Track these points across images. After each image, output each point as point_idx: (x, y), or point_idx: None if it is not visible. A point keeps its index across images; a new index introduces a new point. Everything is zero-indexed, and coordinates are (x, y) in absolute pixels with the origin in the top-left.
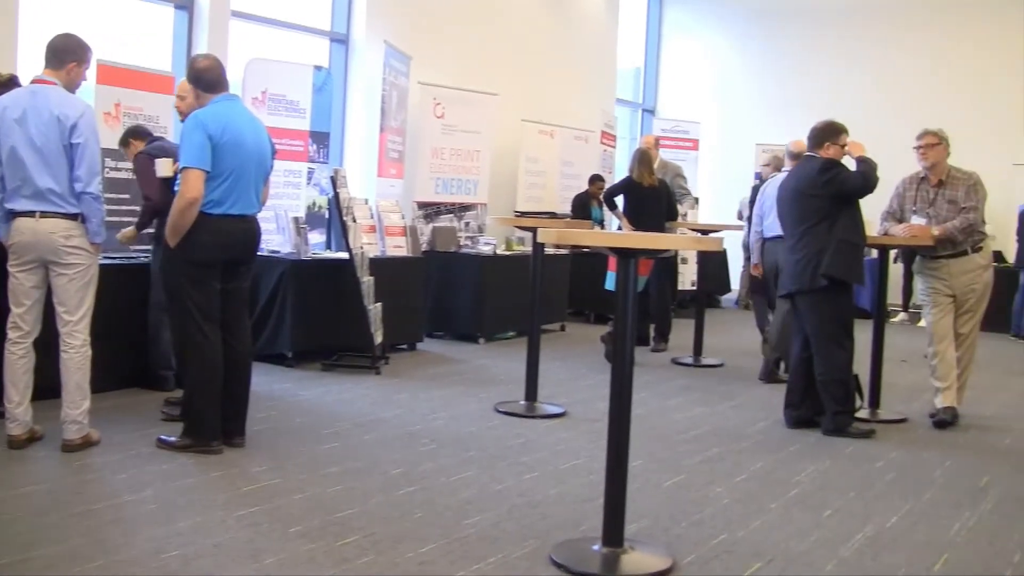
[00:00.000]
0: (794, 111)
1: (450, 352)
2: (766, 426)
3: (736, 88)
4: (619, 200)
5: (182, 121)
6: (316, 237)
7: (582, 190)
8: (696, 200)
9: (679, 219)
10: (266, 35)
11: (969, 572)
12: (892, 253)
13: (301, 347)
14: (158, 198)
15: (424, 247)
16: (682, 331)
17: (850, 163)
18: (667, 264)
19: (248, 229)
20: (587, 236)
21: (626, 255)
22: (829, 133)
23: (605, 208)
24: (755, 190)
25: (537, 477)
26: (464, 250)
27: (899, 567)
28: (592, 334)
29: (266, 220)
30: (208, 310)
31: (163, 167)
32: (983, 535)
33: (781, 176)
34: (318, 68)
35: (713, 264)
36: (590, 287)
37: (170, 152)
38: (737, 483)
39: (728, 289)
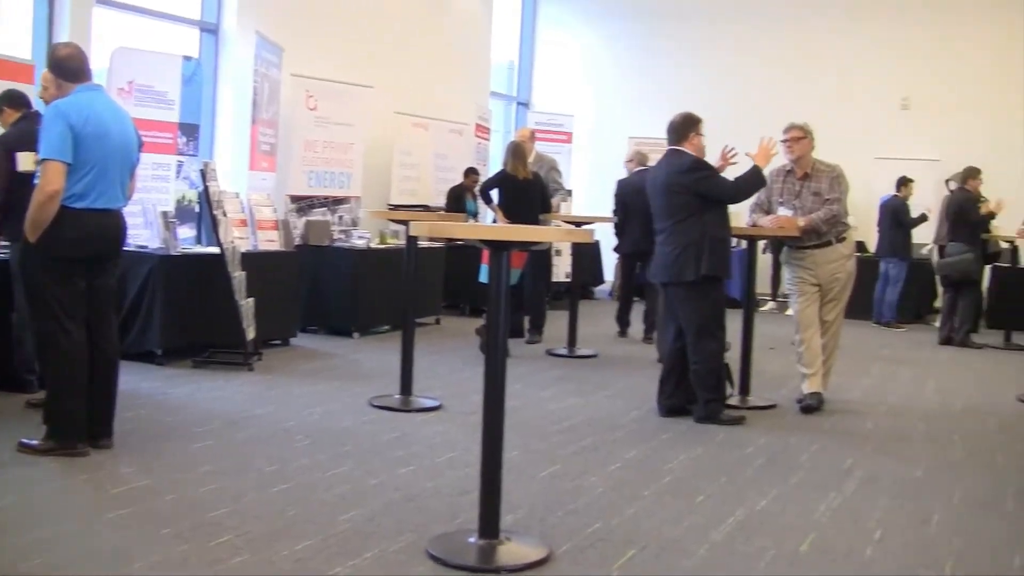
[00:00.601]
0: (667, 105)
1: (324, 347)
2: (640, 415)
3: (609, 81)
4: (494, 193)
5: None
6: (186, 232)
7: (456, 183)
8: (569, 192)
9: (553, 211)
10: (132, 23)
11: (833, 550)
12: (761, 244)
13: (171, 344)
14: (3, 195)
15: (297, 241)
16: (556, 322)
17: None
18: (542, 256)
19: (113, 224)
20: (459, 229)
21: (498, 248)
22: (690, 124)
23: (480, 200)
24: (619, 184)
25: (413, 471)
26: (337, 244)
27: (768, 549)
28: (467, 327)
29: (133, 214)
30: (71, 308)
31: (24, 161)
32: (847, 515)
33: None
34: (187, 58)
35: (587, 256)
36: (465, 280)
37: (30, 137)
38: (611, 472)
39: (602, 280)
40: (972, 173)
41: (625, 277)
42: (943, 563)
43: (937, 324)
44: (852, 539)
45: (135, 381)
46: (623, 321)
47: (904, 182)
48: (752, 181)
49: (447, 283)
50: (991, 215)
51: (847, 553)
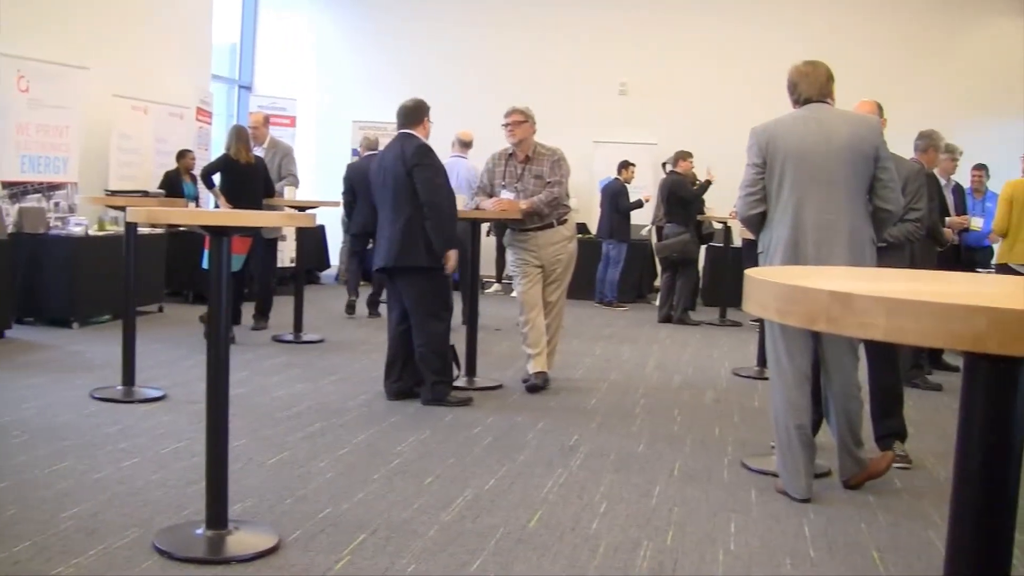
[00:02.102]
0: (392, 89)
1: (41, 339)
2: (367, 399)
3: (334, 65)
4: (216, 178)
5: None
6: None
7: (174, 167)
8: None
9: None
10: None
11: (560, 525)
12: (484, 227)
13: None
14: None
15: (10, 228)
16: (282, 308)
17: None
18: (267, 241)
19: None
20: (178, 214)
21: (218, 233)
22: (423, 110)
23: (201, 184)
24: (349, 168)
25: (137, 463)
26: (54, 231)
27: (497, 527)
28: (191, 314)
29: None
30: None
31: None
32: (573, 490)
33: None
34: None
35: (312, 240)
36: (187, 266)
37: None
38: (340, 456)
39: (327, 265)
40: (683, 155)
41: (357, 258)
42: (664, 532)
43: (657, 303)
44: (578, 513)
45: None
46: (353, 304)
47: (625, 165)
48: (449, 230)
49: (169, 270)
50: (707, 183)
51: (573, 527)
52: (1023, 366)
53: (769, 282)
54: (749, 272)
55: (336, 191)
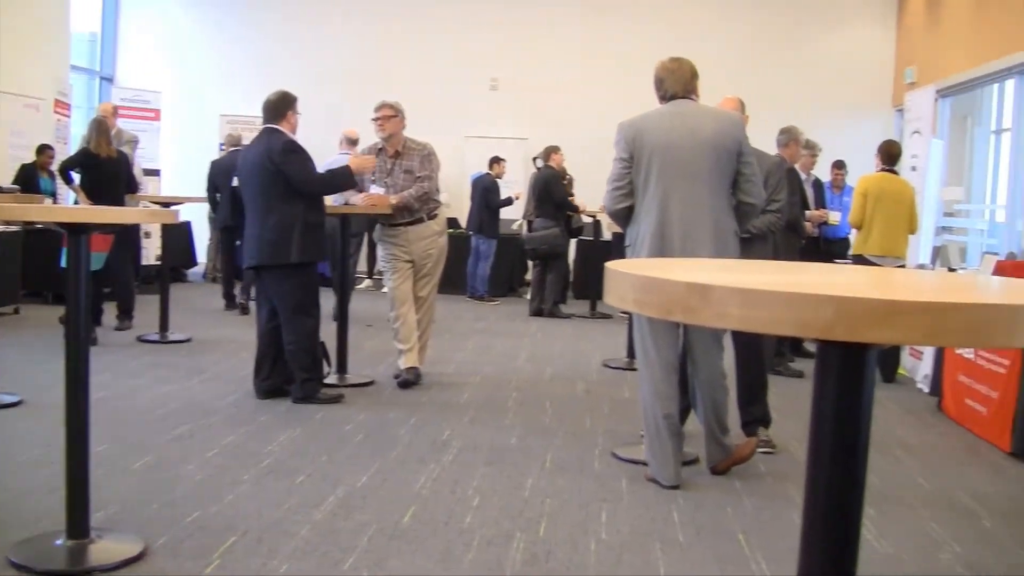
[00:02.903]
0: (257, 82)
1: None
2: (237, 398)
3: (199, 57)
4: (76, 173)
5: None
6: None
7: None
8: (157, 172)
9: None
10: None
11: (434, 520)
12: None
13: None
14: None
15: None
16: (147, 307)
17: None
18: (129, 238)
19: None
20: (32, 211)
21: (76, 230)
22: (287, 103)
23: (59, 180)
24: (212, 165)
25: None
26: None
27: (370, 524)
28: (50, 315)
29: None
30: None
31: None
32: (446, 485)
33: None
34: None
35: (177, 237)
36: (46, 265)
37: None
38: (209, 458)
39: (194, 263)
40: (553, 150)
41: (225, 253)
42: (537, 524)
43: (528, 296)
44: (452, 507)
45: None
46: (230, 296)
47: (496, 160)
48: (341, 179)
49: (27, 269)
50: (578, 210)
51: (447, 521)
52: (870, 352)
53: (627, 274)
54: (610, 264)
55: (202, 186)
